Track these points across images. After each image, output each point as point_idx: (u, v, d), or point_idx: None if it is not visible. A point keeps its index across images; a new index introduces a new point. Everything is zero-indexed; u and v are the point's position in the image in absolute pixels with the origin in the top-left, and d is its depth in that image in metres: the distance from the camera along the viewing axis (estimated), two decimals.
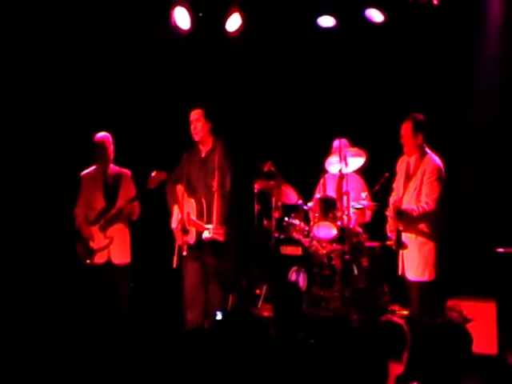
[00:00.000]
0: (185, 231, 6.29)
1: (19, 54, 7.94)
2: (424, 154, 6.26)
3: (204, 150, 6.47)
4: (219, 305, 6.27)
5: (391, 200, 6.55)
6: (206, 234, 6.16)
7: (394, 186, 6.57)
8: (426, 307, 6.12)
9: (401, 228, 6.20)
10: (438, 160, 6.30)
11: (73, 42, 8.15)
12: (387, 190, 6.84)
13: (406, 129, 6.25)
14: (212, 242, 6.20)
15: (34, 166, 8.14)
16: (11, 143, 8.03)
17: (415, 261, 6.20)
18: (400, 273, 6.35)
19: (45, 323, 6.87)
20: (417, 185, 6.21)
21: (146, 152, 8.35)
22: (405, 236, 6.25)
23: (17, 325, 6.26)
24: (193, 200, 6.32)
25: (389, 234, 6.55)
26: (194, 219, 6.24)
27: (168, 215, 6.65)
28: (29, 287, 7.63)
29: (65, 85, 8.28)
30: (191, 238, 6.28)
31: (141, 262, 7.35)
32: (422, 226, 6.20)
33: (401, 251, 6.32)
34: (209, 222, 6.24)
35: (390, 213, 6.26)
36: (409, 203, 6.25)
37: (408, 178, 6.31)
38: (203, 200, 6.31)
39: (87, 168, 7.17)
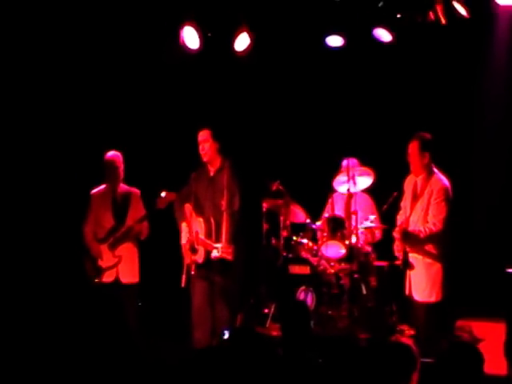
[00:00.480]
0: (193, 250, 6.35)
1: (29, 71, 8.05)
2: (431, 173, 6.29)
3: (212, 170, 6.55)
4: (226, 324, 6.31)
5: (398, 219, 6.59)
6: (214, 253, 6.22)
7: (402, 204, 6.60)
8: (433, 328, 6.15)
9: (407, 249, 6.23)
10: (445, 180, 6.33)
11: (84, 62, 8.25)
12: (396, 209, 6.86)
13: (413, 148, 6.28)
14: (220, 261, 6.26)
15: (45, 183, 8.22)
16: (23, 161, 8.12)
17: (422, 282, 6.23)
18: (407, 293, 6.37)
19: (52, 341, 6.94)
20: (424, 205, 6.23)
21: (156, 171, 8.42)
22: (412, 257, 6.28)
23: (25, 343, 6.37)
24: (201, 219, 6.40)
25: (396, 254, 6.58)
26: (203, 238, 6.32)
27: (176, 235, 6.72)
28: (37, 304, 7.67)
29: (76, 104, 8.36)
30: (200, 258, 6.35)
31: (149, 281, 7.39)
32: (429, 247, 6.22)
33: (408, 272, 6.35)
34: (217, 241, 6.30)
35: (397, 234, 6.29)
36: (416, 224, 6.27)
37: (415, 197, 6.33)
38: (212, 219, 6.38)
39: (97, 186, 7.26)
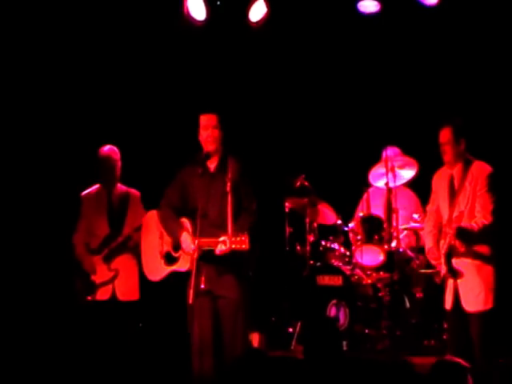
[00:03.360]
0: (170, 260, 6.28)
1: (14, 56, 8.08)
2: (469, 161, 6.24)
3: (213, 165, 6.43)
4: (240, 347, 6.17)
5: (426, 228, 6.48)
6: (220, 248, 6.08)
7: (429, 208, 6.53)
8: (491, 341, 6.03)
9: (462, 251, 6.08)
10: (487, 166, 6.25)
11: (72, 44, 8.25)
12: None
13: (447, 135, 6.24)
14: (231, 256, 6.10)
15: (28, 183, 8.16)
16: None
17: (475, 288, 6.09)
18: (449, 307, 6.22)
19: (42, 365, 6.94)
20: (468, 198, 6.14)
21: (158, 168, 8.31)
22: (458, 261, 6.14)
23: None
24: (185, 219, 6.29)
25: (433, 263, 6.43)
26: (202, 239, 6.20)
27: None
28: (22, 328, 7.71)
29: (65, 91, 8.35)
30: (183, 266, 6.23)
31: (151, 298, 7.29)
32: (481, 246, 6.11)
33: (450, 281, 6.19)
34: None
35: (450, 231, 6.13)
36: (463, 222, 6.16)
37: (454, 193, 6.24)
38: (216, 217, 6.26)
39: (89, 187, 7.13)
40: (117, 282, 6.84)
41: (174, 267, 6.24)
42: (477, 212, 6.09)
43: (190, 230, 6.20)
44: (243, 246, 5.96)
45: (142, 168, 8.12)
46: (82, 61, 8.32)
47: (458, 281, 6.13)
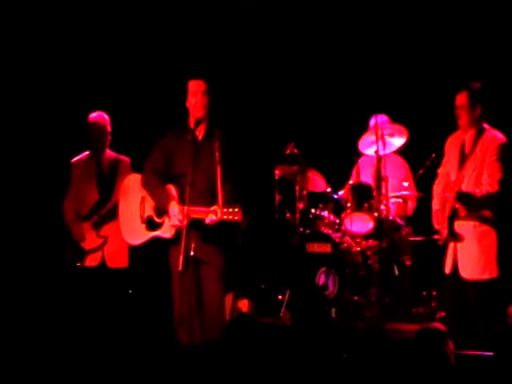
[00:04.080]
0: (152, 225, 6.20)
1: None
2: (483, 129, 6.23)
3: (200, 131, 6.38)
4: (220, 314, 6.19)
5: (435, 189, 6.48)
6: (210, 218, 6.06)
7: (440, 171, 6.49)
8: (488, 312, 6.02)
9: (462, 214, 6.09)
10: (500, 135, 6.22)
11: (58, 12, 8.17)
12: (434, 174, 6.73)
13: (463, 99, 6.21)
14: (221, 226, 6.08)
15: (17, 151, 8.14)
16: None
17: (474, 255, 6.09)
18: (449, 271, 6.22)
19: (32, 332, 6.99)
20: (476, 165, 6.14)
21: (147, 136, 8.29)
22: (460, 225, 6.13)
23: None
24: (171, 186, 6.24)
25: (436, 227, 6.42)
26: (191, 207, 6.16)
27: None
28: (12, 294, 7.71)
29: (54, 57, 8.28)
30: (166, 232, 6.18)
31: (140, 265, 7.23)
32: (484, 213, 6.10)
33: (451, 245, 6.19)
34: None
35: (450, 195, 6.13)
36: (467, 186, 6.16)
37: (464, 158, 6.25)
38: (203, 186, 6.22)
39: (79, 154, 7.09)
40: (106, 248, 6.83)
41: (157, 233, 6.18)
42: (483, 179, 6.10)
43: (177, 197, 6.20)
44: (236, 218, 5.90)
45: (132, 134, 8.06)
46: (70, 27, 8.23)
47: (458, 245, 6.15)
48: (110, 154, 7.04)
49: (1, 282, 7.77)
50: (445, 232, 6.22)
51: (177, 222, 6.12)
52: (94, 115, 6.97)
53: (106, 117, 6.99)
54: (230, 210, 5.89)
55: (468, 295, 6.12)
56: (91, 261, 6.82)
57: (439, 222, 6.34)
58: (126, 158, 7.07)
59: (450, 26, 8.19)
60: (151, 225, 6.24)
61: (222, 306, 6.27)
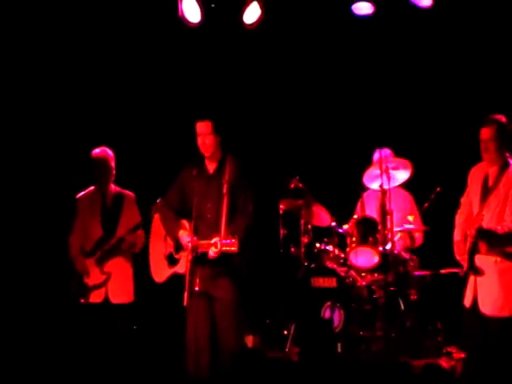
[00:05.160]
0: (172, 261, 6.27)
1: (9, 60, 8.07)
2: (507, 163, 6.14)
3: (212, 167, 6.42)
4: (234, 349, 6.14)
5: (457, 219, 6.38)
6: (212, 250, 6.06)
7: (463, 200, 6.44)
8: (507, 351, 5.88)
9: (482, 250, 6.02)
10: None
11: (69, 47, 8.23)
12: (439, 207, 6.72)
13: (490, 133, 6.11)
14: (222, 259, 6.07)
15: (23, 185, 8.14)
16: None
17: (494, 291, 5.96)
18: (468, 305, 6.16)
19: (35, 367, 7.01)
20: (499, 200, 6.03)
21: (152, 170, 8.35)
22: (481, 259, 6.08)
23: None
24: (185, 221, 6.28)
25: (457, 258, 6.35)
26: (199, 240, 6.17)
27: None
28: (15, 330, 7.72)
29: (61, 94, 8.31)
30: (181, 267, 6.21)
31: (146, 300, 7.25)
32: (506, 249, 5.96)
33: (471, 278, 6.13)
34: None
35: (471, 231, 6.07)
36: (489, 222, 6.09)
37: (486, 191, 6.13)
38: (213, 219, 6.23)
39: (85, 189, 7.10)
40: (110, 284, 6.79)
41: (175, 269, 6.24)
42: (506, 216, 5.99)
43: (189, 230, 6.18)
44: (232, 249, 5.94)
45: (139, 170, 8.12)
46: (78, 64, 8.28)
47: (478, 280, 6.04)
48: (114, 188, 7.03)
49: (7, 315, 7.74)
50: (465, 264, 6.10)
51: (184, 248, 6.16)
52: (96, 151, 6.98)
53: (110, 152, 6.99)
54: (228, 241, 5.92)
55: (488, 330, 5.99)
56: (95, 297, 6.77)
57: (460, 254, 6.20)
58: (130, 193, 7.06)
59: (452, 62, 8.25)
60: (171, 261, 6.29)
61: (236, 344, 6.20)
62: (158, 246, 6.43)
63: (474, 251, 6.00)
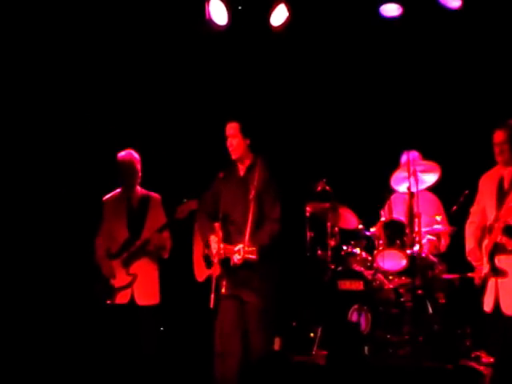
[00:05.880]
0: (209, 264, 6.27)
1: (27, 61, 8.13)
2: None
3: (242, 169, 6.43)
4: (262, 352, 6.13)
5: (467, 228, 6.37)
6: (236, 257, 6.09)
7: (473, 209, 6.43)
8: None
9: (510, 247, 5.97)
10: None
11: (98, 51, 8.30)
12: (467, 211, 6.66)
13: (504, 136, 6.17)
14: (245, 266, 6.09)
15: (49, 187, 8.20)
16: (26, 163, 8.14)
17: None
18: (490, 309, 6.12)
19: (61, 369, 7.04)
20: None
21: (178, 173, 8.39)
22: (501, 260, 6.04)
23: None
24: (216, 225, 6.30)
25: (474, 264, 6.33)
26: (224, 245, 6.20)
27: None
28: (41, 331, 7.79)
29: (92, 96, 8.37)
30: (215, 270, 6.23)
31: (172, 302, 7.29)
32: None
33: (491, 281, 6.10)
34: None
35: (499, 225, 6.03)
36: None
37: (503, 193, 6.15)
38: (240, 223, 6.24)
39: (111, 191, 7.13)
40: (135, 286, 6.80)
41: (210, 271, 6.25)
42: None
43: (220, 234, 6.21)
44: (252, 257, 6.01)
45: (166, 172, 8.16)
46: (109, 67, 8.33)
47: (499, 281, 6.03)
48: (140, 191, 7.04)
49: (33, 318, 7.82)
50: (485, 268, 6.09)
51: (214, 251, 6.18)
52: (122, 154, 7.00)
53: (135, 155, 7.00)
54: (250, 249, 5.97)
55: (508, 333, 5.96)
56: (121, 298, 6.79)
57: (477, 259, 6.22)
58: (156, 195, 7.07)
59: (480, 64, 8.21)
60: (208, 263, 6.31)
61: (264, 347, 6.20)
62: (199, 246, 6.46)
63: (494, 252, 6.01)
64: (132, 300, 6.79)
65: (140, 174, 7.01)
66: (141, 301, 6.81)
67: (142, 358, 6.66)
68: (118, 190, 7.08)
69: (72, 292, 7.89)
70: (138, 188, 7.04)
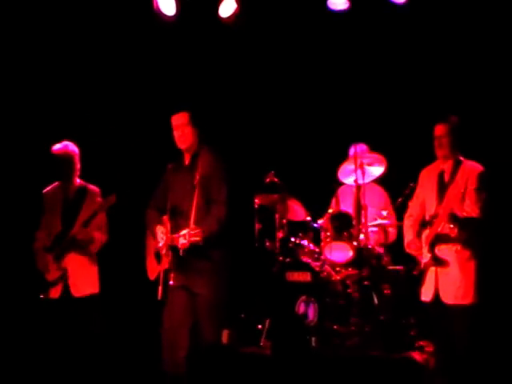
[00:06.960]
0: (160, 258, 6.23)
1: None
2: (460, 161, 6.30)
3: (188, 157, 6.42)
4: (211, 343, 6.14)
5: (406, 221, 6.46)
6: (181, 241, 6.05)
7: (412, 203, 6.52)
8: (469, 338, 6.03)
9: (453, 234, 6.07)
10: (479, 166, 6.28)
11: (43, 40, 8.19)
12: None
13: (444, 129, 6.30)
14: (193, 250, 6.05)
15: None
16: None
17: (456, 280, 6.10)
18: (430, 298, 6.21)
19: None
20: (457, 192, 6.14)
21: (120, 165, 8.38)
22: (441, 250, 6.15)
23: None
24: (164, 217, 6.27)
25: (414, 253, 6.41)
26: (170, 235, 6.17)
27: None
28: None
29: (33, 89, 8.27)
30: (165, 263, 6.20)
31: (117, 295, 7.38)
32: (467, 238, 6.10)
33: (431, 271, 6.18)
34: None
35: (443, 211, 6.11)
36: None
37: (443, 187, 6.27)
38: (187, 212, 6.22)
39: (51, 184, 7.06)
40: (70, 279, 6.70)
41: (160, 266, 6.23)
42: (466, 206, 6.11)
43: (168, 226, 6.18)
44: (196, 239, 5.97)
45: (112, 165, 8.14)
46: (49, 56, 8.23)
47: (439, 270, 6.15)
48: (78, 183, 6.94)
49: None
50: (425, 258, 6.21)
51: (162, 242, 6.15)
52: (57, 146, 6.90)
53: (72, 147, 6.89)
54: (195, 231, 5.93)
55: (452, 320, 6.11)
56: (53, 293, 6.71)
57: (417, 249, 6.35)
58: (94, 188, 6.96)
59: (425, 59, 8.26)
60: (159, 259, 6.27)
61: (212, 339, 6.23)
62: (151, 244, 6.43)
63: (435, 242, 6.13)
64: (67, 293, 6.70)
65: (78, 167, 6.91)
66: (77, 292, 6.72)
67: (87, 351, 6.60)
68: (56, 183, 6.99)
69: (8, 286, 7.84)
70: (77, 180, 6.94)
